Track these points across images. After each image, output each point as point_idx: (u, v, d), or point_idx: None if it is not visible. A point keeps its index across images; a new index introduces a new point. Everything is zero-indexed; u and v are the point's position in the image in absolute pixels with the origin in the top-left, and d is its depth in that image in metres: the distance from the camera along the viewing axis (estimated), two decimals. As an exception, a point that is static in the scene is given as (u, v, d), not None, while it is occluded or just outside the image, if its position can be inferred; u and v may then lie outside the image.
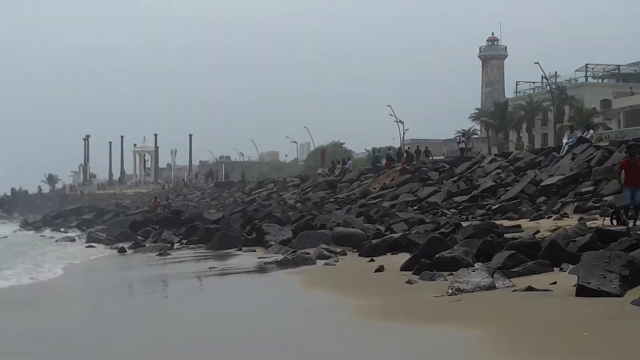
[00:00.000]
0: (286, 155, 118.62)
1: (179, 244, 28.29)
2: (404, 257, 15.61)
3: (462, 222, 21.75)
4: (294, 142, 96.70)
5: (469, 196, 28.76)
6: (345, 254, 18.93)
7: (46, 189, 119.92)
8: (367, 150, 69.78)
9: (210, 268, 18.14)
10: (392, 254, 17.57)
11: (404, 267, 14.28)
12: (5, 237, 39.58)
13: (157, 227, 34.73)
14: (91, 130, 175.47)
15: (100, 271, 20.25)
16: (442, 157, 49.95)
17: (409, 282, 12.56)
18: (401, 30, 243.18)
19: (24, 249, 28.16)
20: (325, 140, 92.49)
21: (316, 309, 11.01)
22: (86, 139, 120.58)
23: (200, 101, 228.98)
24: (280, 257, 18.96)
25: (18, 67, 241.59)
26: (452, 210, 27.01)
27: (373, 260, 16.52)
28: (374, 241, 19.16)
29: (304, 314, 10.74)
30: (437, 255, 13.61)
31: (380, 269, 14.68)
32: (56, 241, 33.34)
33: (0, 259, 22.54)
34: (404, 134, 70.70)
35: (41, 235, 40.71)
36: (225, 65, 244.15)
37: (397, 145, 72.84)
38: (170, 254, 23.90)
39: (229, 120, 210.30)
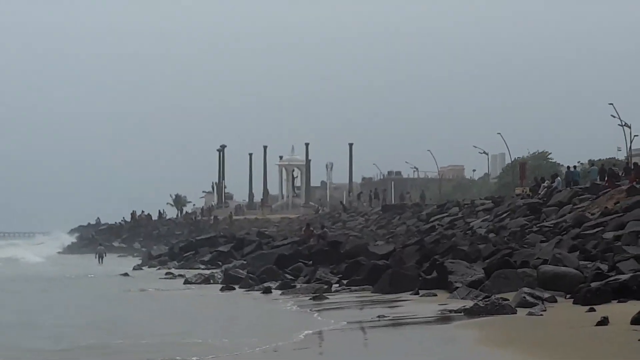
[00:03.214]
0: (474, 171, 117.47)
1: (337, 284, 28.69)
2: (636, 306, 15.21)
3: None
4: (484, 152, 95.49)
5: None
6: (555, 301, 18.75)
7: (172, 213, 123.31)
8: (582, 164, 68.23)
9: (378, 317, 18.31)
10: (618, 302, 17.25)
11: (637, 320, 13.92)
12: (126, 274, 41.57)
13: (310, 262, 35.22)
14: (227, 139, 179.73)
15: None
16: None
17: (644, 340, 12.23)
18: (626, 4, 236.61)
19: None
20: (526, 151, 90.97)
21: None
22: (221, 150, 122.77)
23: (363, 102, 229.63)
24: (469, 303, 18.87)
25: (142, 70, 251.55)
26: (702, 243, 25.99)
27: (593, 310, 16.21)
28: (593, 284, 18.77)
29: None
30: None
31: (603, 321, 14.40)
32: (185, 283, 34.13)
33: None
34: (631, 141, 68.68)
35: (167, 273, 42.07)
36: (395, 54, 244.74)
37: (622, 156, 70.89)
38: (328, 298, 24.33)
39: (399, 126, 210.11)
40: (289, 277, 31.84)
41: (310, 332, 16.47)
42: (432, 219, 56.77)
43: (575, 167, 57.08)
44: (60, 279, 39.52)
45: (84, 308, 24.92)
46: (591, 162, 64.55)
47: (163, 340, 16.20)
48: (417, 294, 23.49)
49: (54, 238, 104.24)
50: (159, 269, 47.79)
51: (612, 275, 20.12)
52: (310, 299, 24.30)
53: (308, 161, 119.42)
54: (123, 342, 16.03)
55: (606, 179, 46.74)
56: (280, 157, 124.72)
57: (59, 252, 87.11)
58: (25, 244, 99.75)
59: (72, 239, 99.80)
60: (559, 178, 52.88)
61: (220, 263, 45.18)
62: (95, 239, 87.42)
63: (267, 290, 27.82)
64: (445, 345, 14.37)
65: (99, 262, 58.75)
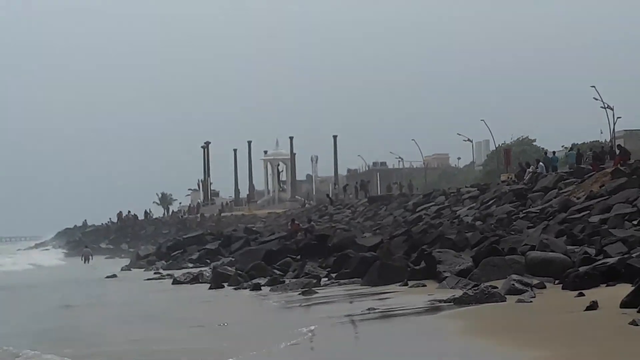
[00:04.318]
0: (459, 159, 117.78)
1: (326, 278, 28.69)
2: (625, 289, 15.20)
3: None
4: (469, 140, 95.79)
5: None
6: (544, 287, 18.76)
7: (159, 212, 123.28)
8: (565, 148, 68.38)
9: (368, 310, 18.32)
10: (607, 286, 17.28)
11: (626, 303, 13.95)
12: (114, 275, 41.56)
13: (298, 257, 35.19)
14: (211, 136, 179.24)
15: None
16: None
17: (634, 323, 12.20)
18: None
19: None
20: (510, 137, 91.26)
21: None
22: (206, 146, 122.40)
23: (346, 93, 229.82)
24: (458, 292, 18.88)
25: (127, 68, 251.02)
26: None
27: (582, 295, 16.25)
28: (581, 269, 18.83)
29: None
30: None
31: (592, 306, 14.44)
32: (173, 283, 33.69)
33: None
34: (614, 124, 68.85)
35: (155, 273, 41.91)
36: (376, 47, 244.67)
37: (604, 138, 71.16)
38: (317, 292, 24.32)
39: (382, 117, 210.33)
40: (278, 272, 31.70)
41: (300, 328, 16.38)
42: (418, 208, 56.77)
43: (554, 152, 57.33)
44: (66, 282, 39.08)
45: (50, 314, 23.68)
46: (572, 146, 65.03)
47: (136, 347, 15.22)
48: (406, 284, 23.45)
49: (45, 242, 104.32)
50: (147, 269, 47.57)
51: (599, 259, 20.16)
52: (299, 294, 24.25)
53: (293, 155, 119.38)
54: (84, 352, 14.70)
55: (591, 162, 46.93)
56: (265, 152, 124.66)
57: (65, 254, 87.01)
58: (21, 249, 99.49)
59: (60, 242, 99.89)
60: (541, 163, 53.00)
61: (208, 261, 45.05)
62: (82, 241, 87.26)
63: (256, 287, 27.67)
64: (433, 336, 14.33)
65: (85, 263, 59.20)
